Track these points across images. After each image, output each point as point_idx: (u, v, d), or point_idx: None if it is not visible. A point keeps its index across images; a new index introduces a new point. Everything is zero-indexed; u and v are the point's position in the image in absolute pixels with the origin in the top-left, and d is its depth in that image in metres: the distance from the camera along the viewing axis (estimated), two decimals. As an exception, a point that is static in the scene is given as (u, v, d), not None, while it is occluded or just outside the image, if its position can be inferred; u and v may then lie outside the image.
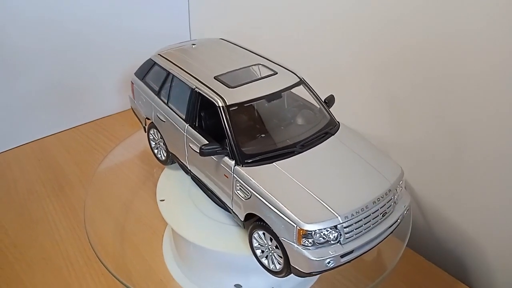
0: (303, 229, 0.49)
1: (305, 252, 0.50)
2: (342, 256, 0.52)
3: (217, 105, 0.58)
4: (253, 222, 0.56)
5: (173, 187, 0.71)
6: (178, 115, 0.66)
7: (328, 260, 0.51)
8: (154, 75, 0.73)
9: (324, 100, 0.66)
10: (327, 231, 0.50)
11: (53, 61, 1.00)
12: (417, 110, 0.74)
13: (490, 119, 0.65)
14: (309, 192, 0.52)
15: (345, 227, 0.51)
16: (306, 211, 0.51)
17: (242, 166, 0.56)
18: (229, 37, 0.78)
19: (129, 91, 1.15)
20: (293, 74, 0.64)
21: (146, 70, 0.75)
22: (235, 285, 0.64)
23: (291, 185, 0.53)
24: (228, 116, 0.57)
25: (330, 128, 0.62)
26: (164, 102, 0.69)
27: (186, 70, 0.66)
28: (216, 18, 1.14)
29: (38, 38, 0.96)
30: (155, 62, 0.73)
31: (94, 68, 1.08)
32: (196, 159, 0.64)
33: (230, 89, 0.60)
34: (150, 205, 0.71)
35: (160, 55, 0.73)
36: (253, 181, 0.54)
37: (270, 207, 0.52)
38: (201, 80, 0.63)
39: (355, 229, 0.52)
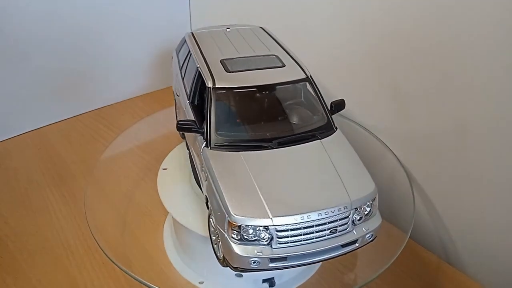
0: (231, 221, 0.49)
1: (232, 245, 0.50)
2: (272, 260, 0.50)
3: (206, 85, 0.59)
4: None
5: (181, 160, 0.72)
6: (186, 91, 0.67)
7: (253, 259, 0.49)
8: (183, 51, 0.75)
9: (332, 103, 0.63)
10: (257, 229, 0.49)
11: (53, 49, 0.99)
12: (422, 102, 0.74)
13: (494, 114, 0.64)
14: (256, 187, 0.51)
15: (278, 231, 0.49)
16: (241, 205, 0.49)
17: (210, 148, 0.56)
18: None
19: (128, 81, 1.15)
20: (301, 71, 0.62)
21: (180, 46, 0.78)
22: (236, 275, 0.64)
23: (244, 177, 0.52)
24: (212, 98, 0.58)
25: (320, 132, 0.59)
26: (181, 77, 0.71)
27: (201, 50, 0.67)
28: (217, 6, 1.13)
29: (38, 27, 0.95)
30: (185, 40, 0.74)
31: (93, 57, 1.07)
32: (188, 136, 0.66)
33: (227, 73, 0.60)
34: (151, 195, 0.70)
35: (192, 33, 0.74)
36: (211, 163, 0.54)
37: (214, 192, 0.52)
38: (206, 61, 0.63)
39: (291, 236, 0.49)
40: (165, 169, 0.69)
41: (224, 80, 0.59)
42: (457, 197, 0.74)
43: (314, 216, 0.49)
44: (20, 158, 0.95)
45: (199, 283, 0.66)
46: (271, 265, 0.50)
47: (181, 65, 0.74)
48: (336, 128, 0.61)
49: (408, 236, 0.63)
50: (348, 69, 0.85)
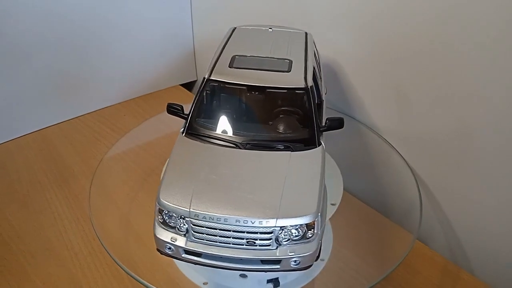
0: (157, 203, 0.51)
1: (156, 226, 0.52)
2: (187, 252, 0.51)
3: (203, 76, 0.61)
4: None
5: None
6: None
7: (168, 245, 0.51)
8: None
9: (327, 119, 0.60)
10: (174, 217, 0.51)
11: (55, 50, 0.99)
12: (427, 104, 0.73)
13: (499, 115, 0.64)
14: (197, 179, 0.53)
15: (193, 224, 0.50)
16: (174, 191, 0.52)
17: (184, 135, 0.59)
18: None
19: (130, 81, 1.15)
20: (302, 80, 0.60)
21: None
22: (240, 275, 0.64)
23: (193, 167, 0.54)
24: (202, 88, 0.60)
25: (296, 145, 0.57)
26: None
27: (226, 44, 0.68)
28: (218, 7, 1.13)
29: (40, 28, 0.95)
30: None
31: (95, 57, 1.07)
32: None
33: (228, 68, 0.62)
34: (155, 196, 0.70)
35: (234, 28, 0.75)
36: (174, 147, 0.57)
37: (162, 174, 0.54)
38: (221, 54, 0.65)
39: (207, 234, 0.50)
40: None
41: (220, 74, 0.61)
42: (464, 197, 0.73)
43: (231, 221, 0.49)
44: (23, 159, 0.95)
45: (203, 284, 0.66)
46: (184, 256, 0.52)
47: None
48: (319, 145, 0.58)
49: (416, 237, 0.63)
50: (353, 70, 0.84)
